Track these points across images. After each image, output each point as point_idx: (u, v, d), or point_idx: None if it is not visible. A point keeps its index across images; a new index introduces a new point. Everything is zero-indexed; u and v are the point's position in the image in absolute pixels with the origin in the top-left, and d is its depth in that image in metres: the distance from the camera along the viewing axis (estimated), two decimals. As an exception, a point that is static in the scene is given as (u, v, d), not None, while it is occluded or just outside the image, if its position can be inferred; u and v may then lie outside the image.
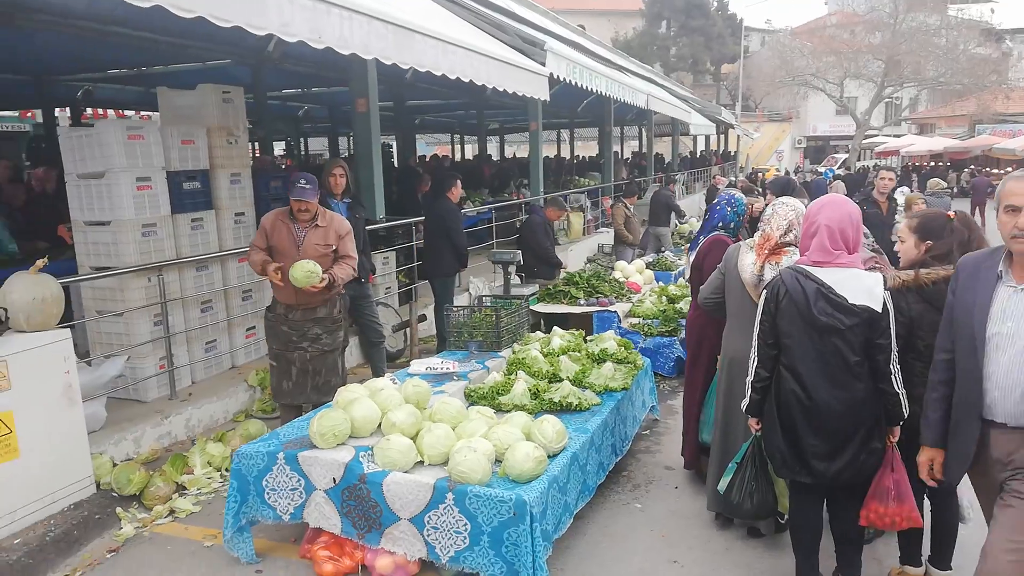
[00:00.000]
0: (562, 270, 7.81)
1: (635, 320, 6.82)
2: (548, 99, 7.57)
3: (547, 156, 28.14)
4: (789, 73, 30.04)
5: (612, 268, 8.78)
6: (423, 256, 7.36)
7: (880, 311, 2.88)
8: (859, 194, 7.60)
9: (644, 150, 23.42)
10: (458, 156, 29.58)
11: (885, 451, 3.01)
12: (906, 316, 3.01)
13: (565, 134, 30.23)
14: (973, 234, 3.07)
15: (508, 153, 29.78)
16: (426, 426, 3.50)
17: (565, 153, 29.71)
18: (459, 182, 7.11)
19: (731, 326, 3.76)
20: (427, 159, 21.30)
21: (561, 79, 7.96)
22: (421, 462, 3.36)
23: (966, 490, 3.21)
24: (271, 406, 5.52)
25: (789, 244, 3.49)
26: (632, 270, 8.24)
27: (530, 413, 4.09)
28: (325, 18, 3.89)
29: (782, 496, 3.43)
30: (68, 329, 4.12)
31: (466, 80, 5.63)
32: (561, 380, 4.44)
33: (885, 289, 2.93)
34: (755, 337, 3.13)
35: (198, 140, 5.59)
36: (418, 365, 4.67)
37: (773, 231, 3.55)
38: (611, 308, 6.68)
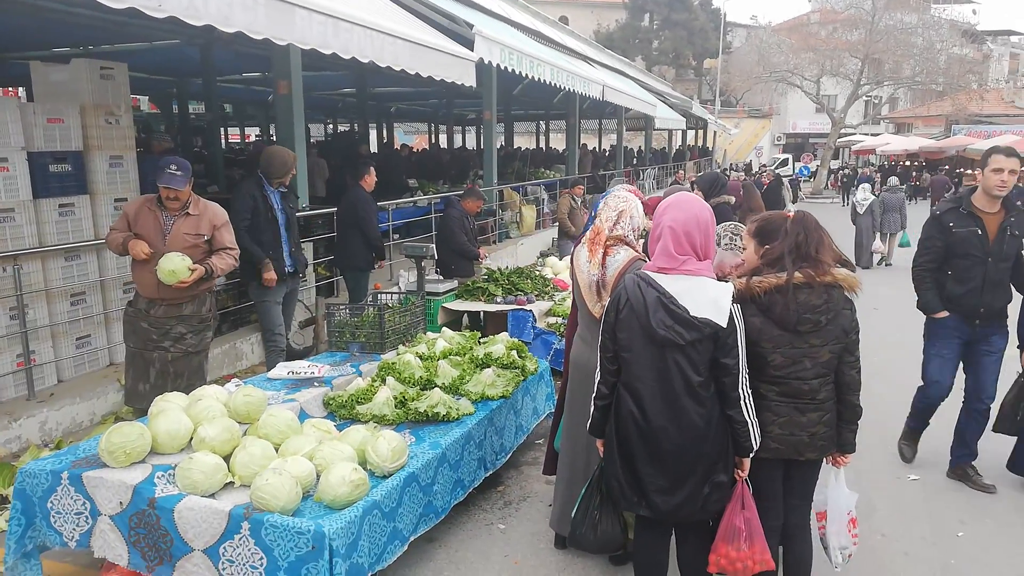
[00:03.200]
0: (482, 262, 7.42)
1: (554, 319, 6.45)
2: (475, 84, 7.17)
3: (520, 147, 27.86)
4: (767, 69, 29.70)
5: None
6: (335, 249, 6.97)
7: (725, 326, 2.53)
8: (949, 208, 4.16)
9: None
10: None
11: (733, 486, 2.68)
12: (747, 331, 2.65)
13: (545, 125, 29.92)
14: (811, 235, 2.71)
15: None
16: (245, 442, 3.12)
17: (544, 144, 29.38)
18: (373, 169, 6.70)
19: (578, 330, 3.46)
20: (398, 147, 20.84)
21: (495, 65, 7.59)
22: (232, 483, 2.99)
23: (833, 535, 2.88)
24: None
25: (619, 238, 3.18)
26: (563, 266, 7.81)
27: (391, 424, 3.75)
28: (169, -19, 3.46)
29: (632, 528, 3.08)
30: None
31: (365, 61, 5.21)
32: (435, 387, 4.09)
33: (734, 302, 2.59)
34: (598, 350, 2.79)
35: (68, 119, 5.14)
36: (280, 369, 4.28)
37: (603, 223, 3.22)
38: (527, 307, 6.30)
